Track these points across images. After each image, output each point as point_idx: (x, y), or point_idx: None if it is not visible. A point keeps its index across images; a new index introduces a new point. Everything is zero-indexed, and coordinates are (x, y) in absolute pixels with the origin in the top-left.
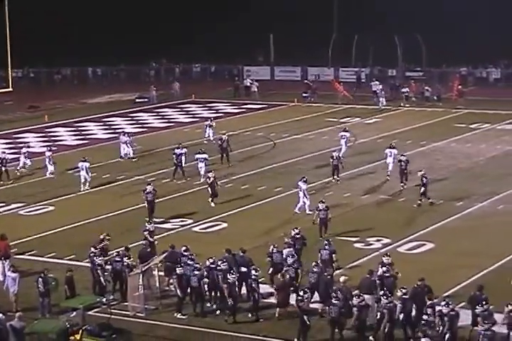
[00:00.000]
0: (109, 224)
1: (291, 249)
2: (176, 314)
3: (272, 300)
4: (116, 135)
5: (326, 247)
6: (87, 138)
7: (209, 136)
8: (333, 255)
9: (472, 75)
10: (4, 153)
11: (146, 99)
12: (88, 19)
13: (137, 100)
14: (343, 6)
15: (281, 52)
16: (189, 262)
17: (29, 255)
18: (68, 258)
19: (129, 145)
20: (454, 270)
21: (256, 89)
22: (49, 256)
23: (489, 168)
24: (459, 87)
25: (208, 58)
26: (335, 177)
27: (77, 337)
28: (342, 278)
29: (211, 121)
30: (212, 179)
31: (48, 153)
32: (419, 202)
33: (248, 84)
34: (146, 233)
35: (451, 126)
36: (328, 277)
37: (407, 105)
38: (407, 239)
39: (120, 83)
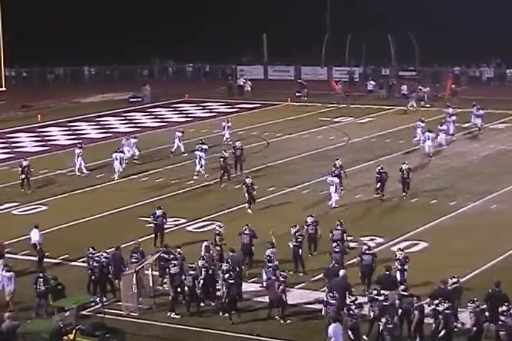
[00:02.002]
0: (102, 224)
1: (275, 249)
2: (169, 313)
3: (263, 299)
4: (110, 135)
5: (338, 227)
6: (80, 137)
7: (227, 138)
8: (345, 234)
9: (465, 74)
10: (26, 160)
11: (139, 99)
12: (81, 19)
13: (131, 100)
14: (336, 5)
15: (274, 52)
16: (172, 261)
17: (22, 255)
18: (61, 257)
19: (134, 147)
20: (447, 269)
21: (249, 89)
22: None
23: (482, 167)
24: (452, 86)
25: (201, 58)
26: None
27: (71, 336)
28: (341, 272)
29: (228, 121)
30: (249, 185)
31: (77, 151)
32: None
33: (241, 83)
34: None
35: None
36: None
37: (427, 105)
38: (400, 238)
39: (113, 83)
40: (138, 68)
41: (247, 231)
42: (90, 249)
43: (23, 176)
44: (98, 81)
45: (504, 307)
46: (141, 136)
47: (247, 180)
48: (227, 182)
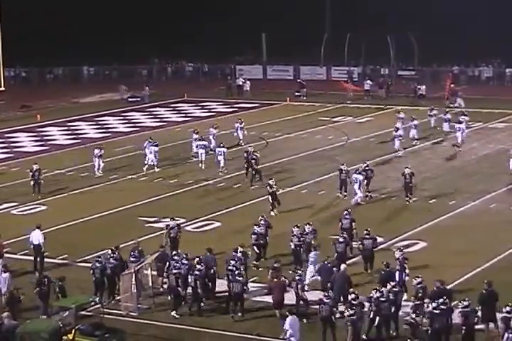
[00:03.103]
0: (101, 224)
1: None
2: (173, 312)
3: (266, 299)
4: (109, 134)
5: (347, 216)
6: (79, 137)
7: (240, 139)
8: (353, 223)
9: (464, 74)
10: (36, 164)
11: (138, 99)
12: (81, 19)
13: (129, 99)
14: (336, 5)
15: (273, 51)
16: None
17: (21, 255)
18: (61, 257)
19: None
20: (446, 269)
21: (248, 88)
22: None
23: (481, 166)
24: (452, 85)
25: (200, 57)
26: (342, 191)
27: (70, 336)
28: (342, 267)
29: (241, 122)
30: (274, 187)
31: (96, 151)
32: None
33: (240, 83)
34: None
35: (442, 125)
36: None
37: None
38: (399, 237)
39: (112, 83)
40: (137, 68)
41: (262, 222)
42: (109, 250)
43: (33, 181)
44: (97, 81)
45: (508, 308)
46: (140, 135)
47: (271, 182)
48: (258, 183)
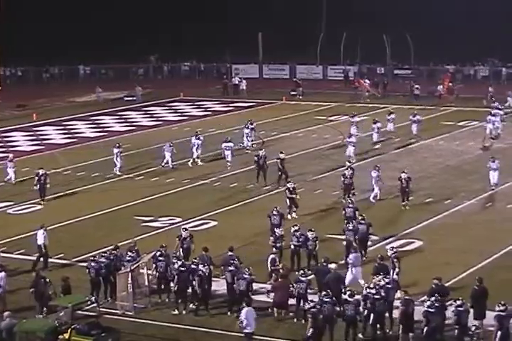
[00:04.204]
0: (98, 223)
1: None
2: (176, 311)
3: (266, 299)
4: (105, 133)
5: (350, 205)
6: (76, 136)
7: (252, 140)
8: (357, 211)
9: (460, 73)
10: (42, 168)
11: (134, 98)
12: (77, 18)
13: (125, 99)
14: (332, 4)
15: (269, 51)
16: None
17: (17, 254)
18: (57, 257)
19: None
20: (442, 267)
21: (244, 87)
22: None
23: (477, 165)
24: (450, 84)
25: (196, 56)
26: (346, 197)
27: (66, 335)
28: (333, 266)
29: (251, 123)
30: (291, 189)
31: (115, 150)
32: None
33: (237, 82)
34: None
35: (439, 124)
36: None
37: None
38: (395, 236)
39: (109, 82)
40: (133, 67)
41: (275, 212)
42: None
43: (39, 186)
44: (93, 80)
45: (501, 307)
46: (136, 134)
47: (289, 185)
48: (283, 183)
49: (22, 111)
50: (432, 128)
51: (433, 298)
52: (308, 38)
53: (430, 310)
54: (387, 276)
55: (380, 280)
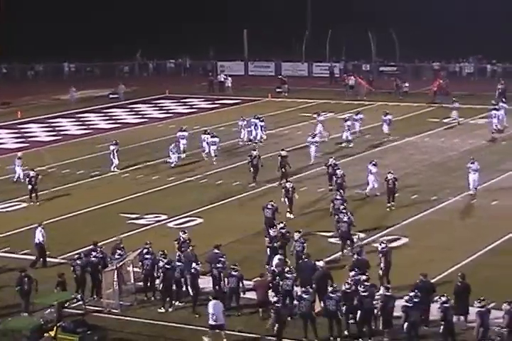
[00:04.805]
0: (83, 221)
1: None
2: (162, 309)
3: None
4: (90, 131)
5: (338, 197)
6: (61, 134)
7: (260, 137)
8: (345, 204)
9: (445, 70)
10: (33, 170)
11: (117, 96)
12: (61, 15)
13: (110, 96)
14: (317, 2)
15: (255, 48)
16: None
17: (3, 252)
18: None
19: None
20: (428, 264)
21: (230, 85)
22: (23, 252)
23: (463, 162)
24: (441, 81)
25: (182, 54)
26: (333, 184)
27: (52, 333)
28: (321, 263)
29: (260, 119)
30: (289, 189)
31: (112, 147)
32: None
33: (222, 79)
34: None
35: (424, 121)
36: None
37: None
38: (381, 233)
39: (94, 79)
40: (118, 64)
41: (269, 206)
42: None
43: (30, 187)
44: (78, 78)
45: (482, 302)
46: (121, 132)
47: (288, 185)
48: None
49: (6, 109)
50: (417, 125)
51: (412, 293)
52: (293, 35)
53: (408, 304)
54: (366, 273)
55: (355, 276)
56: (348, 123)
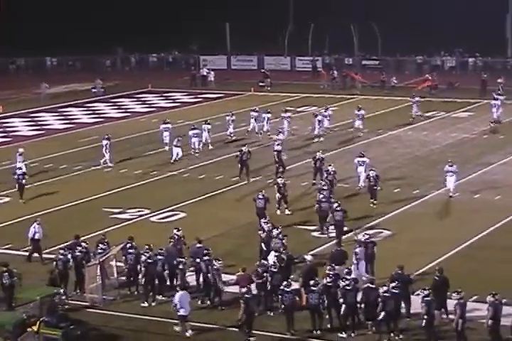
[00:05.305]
0: (66, 215)
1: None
2: (145, 303)
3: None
4: (73, 125)
5: (325, 187)
6: (43, 128)
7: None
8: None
9: (428, 63)
10: (21, 169)
11: (102, 89)
12: (42, 9)
13: (93, 90)
14: None
15: (237, 42)
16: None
17: None
18: (25, 249)
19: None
20: (411, 257)
21: (212, 79)
22: (5, 247)
23: (445, 155)
24: (429, 77)
25: (164, 48)
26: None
27: (35, 328)
28: (309, 257)
29: (232, 115)
30: (281, 185)
31: (104, 142)
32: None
33: (205, 73)
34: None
35: (407, 114)
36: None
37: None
38: (364, 226)
39: (76, 73)
40: (100, 58)
41: (260, 196)
42: (146, 246)
43: (18, 184)
44: (61, 71)
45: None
46: (104, 126)
47: (279, 180)
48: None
49: None
50: (400, 119)
51: (393, 284)
52: (276, 28)
53: (386, 294)
54: (344, 263)
55: (330, 270)
56: (319, 118)
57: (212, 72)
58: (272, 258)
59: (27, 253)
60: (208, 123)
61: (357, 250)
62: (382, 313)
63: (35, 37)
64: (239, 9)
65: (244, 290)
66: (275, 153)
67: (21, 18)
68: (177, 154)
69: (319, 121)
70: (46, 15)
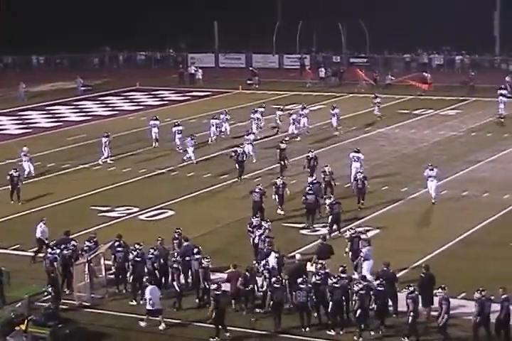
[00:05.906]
0: (54, 213)
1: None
2: (134, 302)
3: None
4: (60, 124)
5: (315, 181)
6: (30, 126)
7: (223, 131)
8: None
9: (415, 61)
10: (15, 170)
11: (89, 88)
12: (30, 7)
13: (81, 88)
14: None
15: (225, 39)
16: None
17: None
18: (13, 248)
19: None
20: (398, 255)
21: (201, 77)
22: None
23: (433, 153)
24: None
25: (152, 46)
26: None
27: (23, 327)
28: (298, 256)
29: (226, 113)
30: (279, 186)
31: (104, 139)
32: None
33: (193, 71)
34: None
35: (395, 112)
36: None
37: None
38: (352, 224)
39: (63, 71)
40: (88, 56)
41: (257, 190)
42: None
43: (12, 186)
44: (48, 70)
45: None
46: (92, 124)
47: (278, 181)
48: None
49: None
50: (387, 117)
51: (377, 282)
52: (264, 26)
53: (361, 292)
54: (329, 258)
55: (321, 269)
56: (294, 117)
57: (200, 70)
58: (272, 259)
59: (18, 252)
60: (216, 118)
61: (364, 250)
62: (359, 311)
63: (23, 35)
64: (227, 7)
65: (213, 286)
66: (278, 150)
67: (8, 16)
68: (189, 155)
69: (293, 119)
70: (34, 14)
